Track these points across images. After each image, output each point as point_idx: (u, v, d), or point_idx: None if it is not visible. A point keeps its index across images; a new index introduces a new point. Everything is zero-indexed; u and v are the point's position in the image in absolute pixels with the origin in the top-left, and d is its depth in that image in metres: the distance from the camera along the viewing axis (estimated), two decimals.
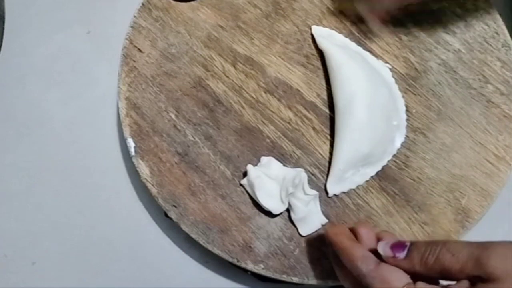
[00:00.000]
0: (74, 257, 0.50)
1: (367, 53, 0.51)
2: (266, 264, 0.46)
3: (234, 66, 0.50)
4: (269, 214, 0.46)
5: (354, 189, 0.48)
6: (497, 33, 0.51)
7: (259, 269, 0.46)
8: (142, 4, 0.51)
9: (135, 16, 0.51)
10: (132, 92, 0.49)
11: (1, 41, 0.55)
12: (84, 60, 0.55)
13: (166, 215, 0.47)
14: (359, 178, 0.48)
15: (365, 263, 0.37)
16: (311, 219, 0.46)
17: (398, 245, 0.37)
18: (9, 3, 0.57)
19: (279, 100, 0.50)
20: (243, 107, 0.49)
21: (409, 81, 0.50)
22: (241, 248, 0.46)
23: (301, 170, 0.47)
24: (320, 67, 0.51)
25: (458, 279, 0.35)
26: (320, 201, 0.47)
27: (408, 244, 0.37)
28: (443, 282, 0.37)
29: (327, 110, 0.50)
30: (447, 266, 0.35)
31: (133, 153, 0.48)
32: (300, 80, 0.50)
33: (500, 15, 0.52)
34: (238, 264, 0.46)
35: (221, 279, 0.50)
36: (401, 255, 0.37)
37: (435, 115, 0.50)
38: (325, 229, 0.43)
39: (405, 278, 0.36)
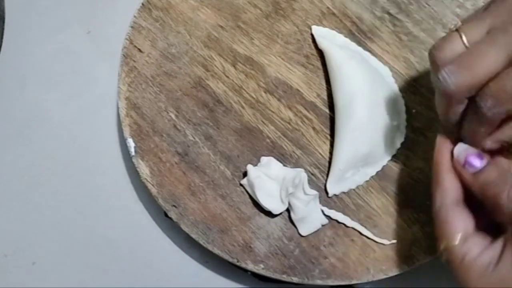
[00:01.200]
0: (74, 257, 0.50)
1: (367, 53, 0.51)
2: (266, 264, 0.46)
3: (234, 66, 0.50)
4: (269, 214, 0.46)
5: (354, 189, 0.48)
6: None
7: (259, 269, 0.46)
8: (142, 4, 0.51)
9: (135, 16, 0.51)
10: (132, 92, 0.49)
11: (1, 41, 0.55)
12: (84, 60, 0.55)
13: (166, 215, 0.47)
14: (359, 178, 0.48)
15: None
16: (311, 219, 0.46)
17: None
18: (9, 3, 0.57)
19: (279, 100, 0.50)
20: (243, 107, 0.49)
21: (409, 81, 0.50)
22: (241, 248, 0.46)
23: (301, 170, 0.47)
24: (320, 67, 0.51)
25: None
26: (320, 201, 0.47)
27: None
28: None
29: (327, 110, 0.50)
30: None
31: (133, 153, 0.48)
32: (300, 80, 0.50)
33: None
34: (238, 264, 0.46)
35: (221, 279, 0.50)
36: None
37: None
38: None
39: None
